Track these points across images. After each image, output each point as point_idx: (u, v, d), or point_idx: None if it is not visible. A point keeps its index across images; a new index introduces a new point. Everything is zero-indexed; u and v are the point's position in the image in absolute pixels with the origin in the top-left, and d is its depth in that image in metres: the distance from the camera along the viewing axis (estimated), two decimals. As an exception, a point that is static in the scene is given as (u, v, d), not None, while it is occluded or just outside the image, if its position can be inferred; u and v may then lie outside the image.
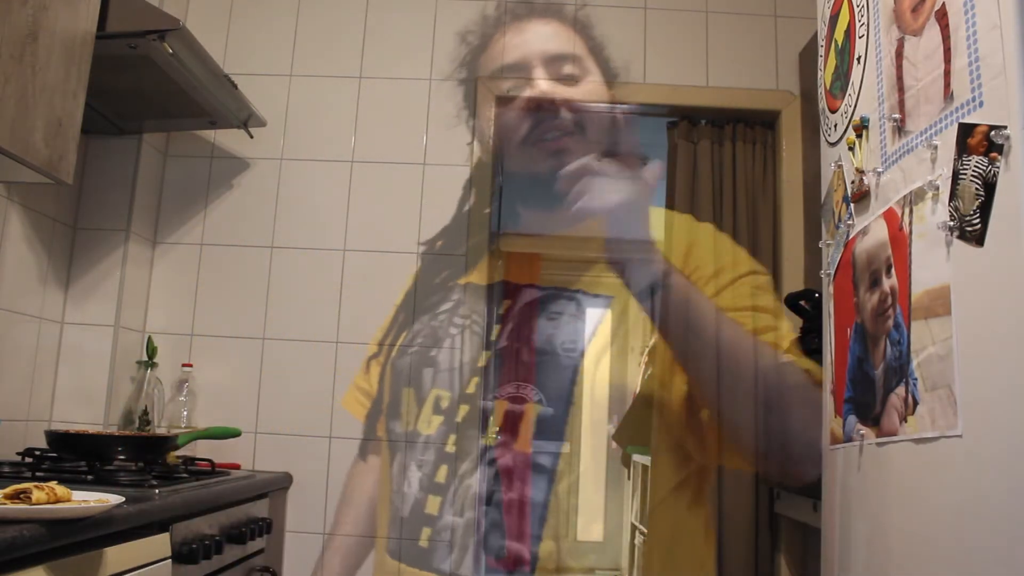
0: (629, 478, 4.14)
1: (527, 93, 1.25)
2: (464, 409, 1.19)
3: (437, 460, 1.15)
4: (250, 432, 2.22)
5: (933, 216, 1.05)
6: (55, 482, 1.14)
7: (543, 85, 1.24)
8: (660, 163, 1.28)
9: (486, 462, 1.16)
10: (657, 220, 1.31)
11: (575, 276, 1.34)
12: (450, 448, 1.15)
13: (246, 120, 2.25)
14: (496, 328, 1.25)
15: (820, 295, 1.61)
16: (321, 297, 2.32)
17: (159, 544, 1.36)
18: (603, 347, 1.25)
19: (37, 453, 1.63)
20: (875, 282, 1.20)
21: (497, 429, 1.16)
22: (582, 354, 1.23)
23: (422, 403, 1.22)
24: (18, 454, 1.69)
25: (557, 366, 1.21)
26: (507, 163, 1.32)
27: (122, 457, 1.60)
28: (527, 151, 1.26)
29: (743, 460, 1.16)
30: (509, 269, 1.32)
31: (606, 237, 1.24)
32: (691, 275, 1.20)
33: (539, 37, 1.28)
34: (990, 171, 0.94)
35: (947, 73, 1.04)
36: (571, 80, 1.25)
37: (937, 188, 1.04)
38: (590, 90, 1.29)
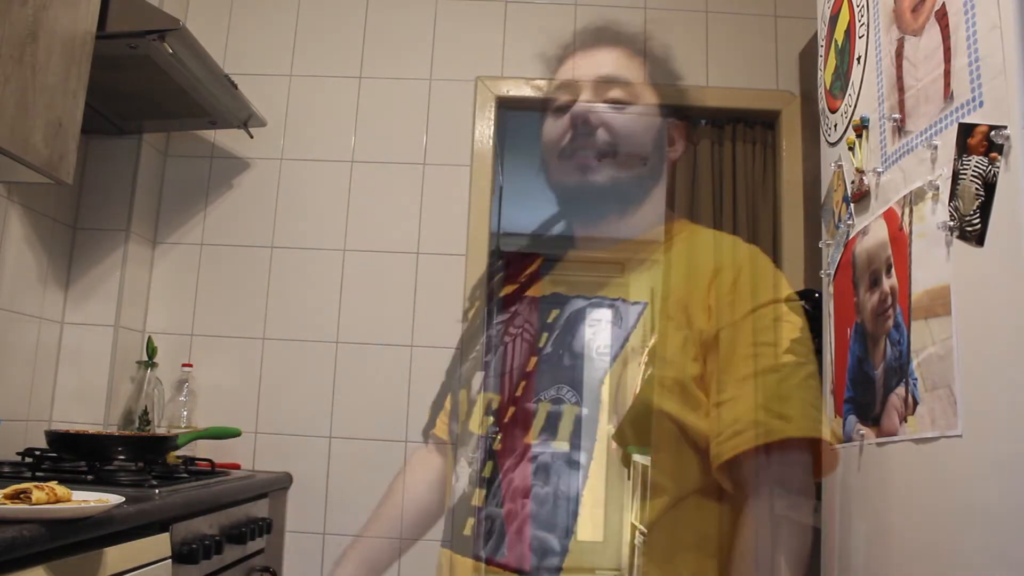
0: (629, 478, 4.14)
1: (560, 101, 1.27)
2: (511, 411, 1.22)
3: (485, 457, 1.19)
4: (250, 432, 2.22)
5: (933, 216, 1.05)
6: (55, 482, 1.14)
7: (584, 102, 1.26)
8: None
9: (527, 458, 1.18)
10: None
11: (606, 280, 1.35)
12: (497, 446, 1.19)
13: (246, 120, 2.25)
14: (544, 336, 1.28)
15: (820, 295, 1.61)
16: (321, 297, 2.32)
17: (159, 544, 1.36)
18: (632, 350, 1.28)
19: (37, 453, 1.63)
20: (875, 282, 1.20)
21: (540, 428, 1.18)
22: (615, 358, 1.25)
23: (472, 405, 1.25)
24: (18, 454, 1.69)
25: (592, 369, 1.23)
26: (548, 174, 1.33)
27: (122, 457, 1.60)
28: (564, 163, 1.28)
29: None
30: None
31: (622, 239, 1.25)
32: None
33: (592, 62, 1.30)
34: (990, 171, 0.94)
35: (947, 73, 1.04)
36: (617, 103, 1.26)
37: (937, 188, 1.04)
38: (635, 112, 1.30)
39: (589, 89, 1.30)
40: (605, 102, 1.24)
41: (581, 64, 1.35)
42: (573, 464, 1.22)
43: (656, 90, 1.36)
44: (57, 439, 1.59)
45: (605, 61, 1.33)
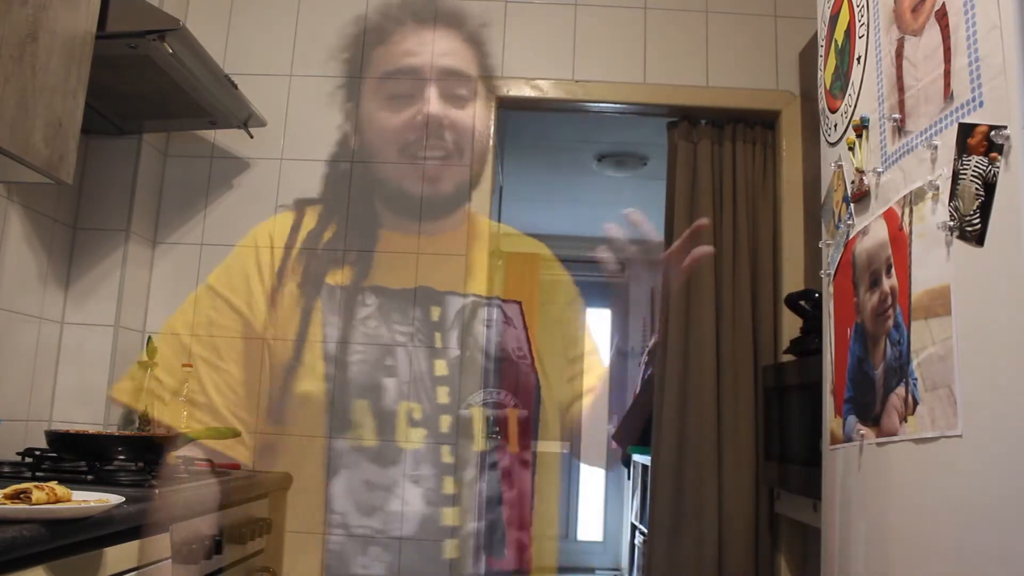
0: (629, 478, 4.14)
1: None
2: (446, 420, 1.19)
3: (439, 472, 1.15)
4: (250, 432, 2.22)
5: (933, 216, 1.05)
6: (55, 482, 1.14)
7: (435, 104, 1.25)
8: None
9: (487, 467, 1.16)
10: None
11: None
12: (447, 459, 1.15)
13: (246, 120, 2.25)
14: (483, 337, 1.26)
15: (820, 295, 1.61)
16: (321, 297, 2.32)
17: (159, 544, 1.36)
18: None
19: (37, 453, 1.63)
20: (875, 282, 1.20)
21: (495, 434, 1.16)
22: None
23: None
24: (18, 454, 1.68)
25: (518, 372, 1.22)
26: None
27: (122, 457, 1.60)
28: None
29: None
30: (509, 274, 1.32)
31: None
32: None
33: (434, 49, 1.27)
34: (990, 171, 0.94)
35: (947, 73, 1.04)
36: (461, 100, 1.25)
37: (937, 188, 1.04)
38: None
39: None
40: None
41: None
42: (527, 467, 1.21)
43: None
44: (57, 439, 1.59)
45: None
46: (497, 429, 1.16)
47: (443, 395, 1.14)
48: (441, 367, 1.16)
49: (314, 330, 1.12)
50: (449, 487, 1.11)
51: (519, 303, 1.22)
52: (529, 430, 1.17)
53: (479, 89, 1.26)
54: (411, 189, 1.20)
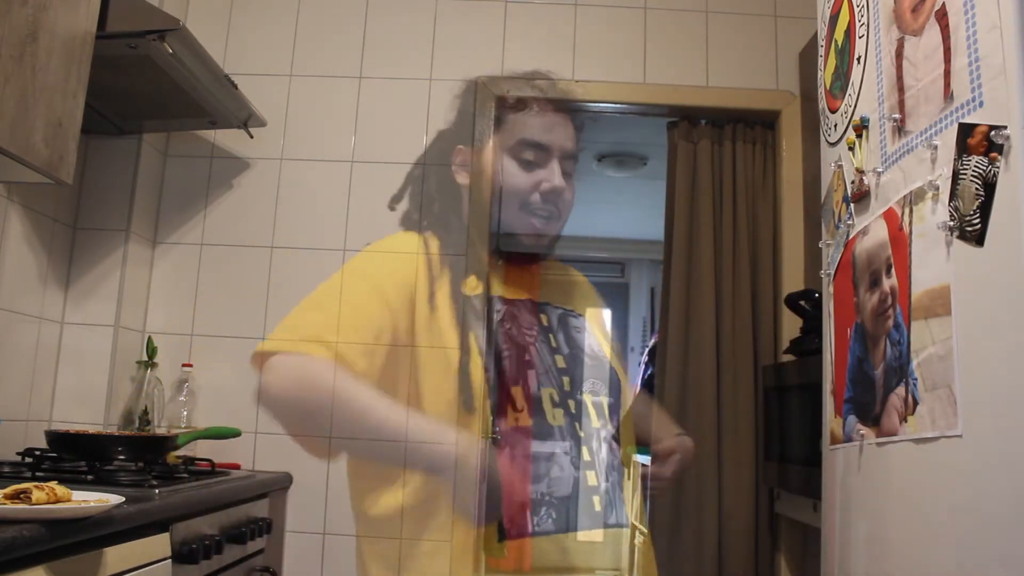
0: (629, 478, 4.14)
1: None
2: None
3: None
4: (250, 432, 2.22)
5: (933, 216, 1.05)
6: (55, 482, 1.14)
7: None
8: None
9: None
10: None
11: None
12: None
13: (246, 120, 2.25)
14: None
15: (820, 295, 1.61)
16: (321, 297, 2.32)
17: (159, 544, 1.36)
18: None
19: (37, 453, 1.63)
20: (875, 282, 1.20)
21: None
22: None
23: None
24: (18, 454, 1.68)
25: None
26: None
27: (122, 457, 1.60)
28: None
29: None
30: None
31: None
32: None
33: (561, 132, 1.48)
34: (990, 171, 0.94)
35: (947, 73, 1.04)
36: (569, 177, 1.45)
37: (937, 188, 1.04)
38: None
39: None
40: None
41: None
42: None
43: None
44: (57, 439, 1.59)
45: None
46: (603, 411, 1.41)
47: (566, 383, 1.35)
48: (560, 361, 1.36)
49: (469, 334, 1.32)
50: (586, 455, 1.33)
51: (584, 316, 1.46)
52: (616, 413, 1.44)
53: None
54: (521, 235, 1.40)
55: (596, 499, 1.38)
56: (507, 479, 1.22)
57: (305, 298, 1.42)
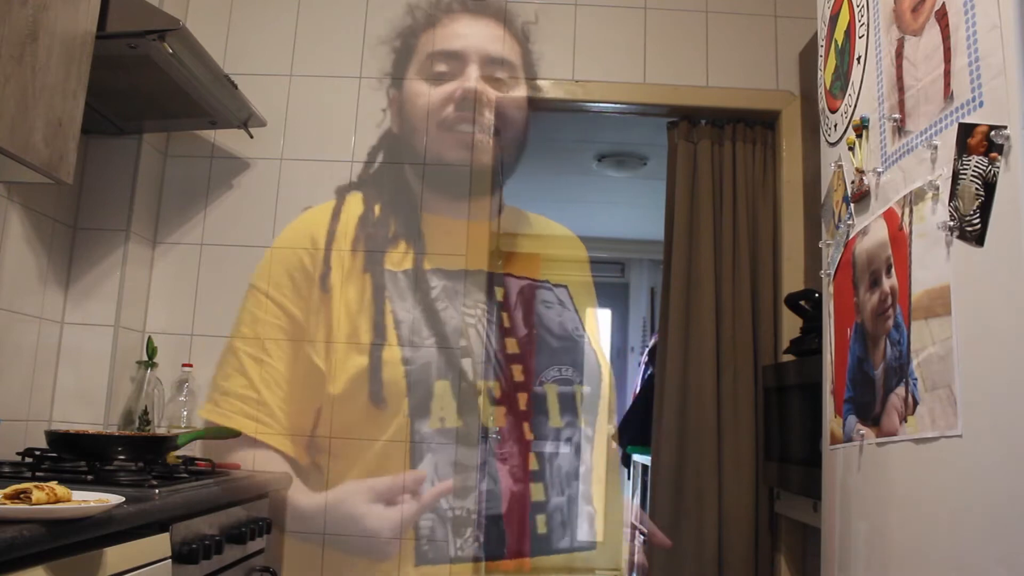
0: (629, 478, 4.13)
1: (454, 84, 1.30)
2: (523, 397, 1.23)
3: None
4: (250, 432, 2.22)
5: (933, 216, 1.05)
6: (55, 482, 1.14)
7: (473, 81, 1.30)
8: None
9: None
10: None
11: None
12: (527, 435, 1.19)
13: (246, 120, 2.25)
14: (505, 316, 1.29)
15: (820, 295, 1.61)
16: (321, 297, 2.31)
17: (159, 544, 1.36)
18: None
19: (37, 453, 1.63)
20: (875, 282, 1.20)
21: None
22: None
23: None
24: (18, 454, 1.68)
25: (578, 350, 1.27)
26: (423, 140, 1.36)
27: (122, 457, 1.60)
28: (442, 135, 1.32)
29: None
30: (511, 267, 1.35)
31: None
32: None
33: (480, 35, 1.32)
34: (990, 171, 0.94)
35: (947, 73, 1.04)
36: (501, 83, 1.29)
37: (937, 188, 1.04)
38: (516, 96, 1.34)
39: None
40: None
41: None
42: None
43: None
44: (57, 439, 1.59)
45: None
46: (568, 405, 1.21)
47: (517, 373, 1.18)
48: (512, 345, 1.20)
49: (387, 315, 1.14)
50: (533, 463, 1.16)
51: (566, 287, 1.27)
52: (594, 407, 1.23)
53: (522, 84, 1.32)
54: (450, 158, 1.22)
55: (540, 519, 1.20)
56: (430, 494, 1.08)
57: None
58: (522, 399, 1.18)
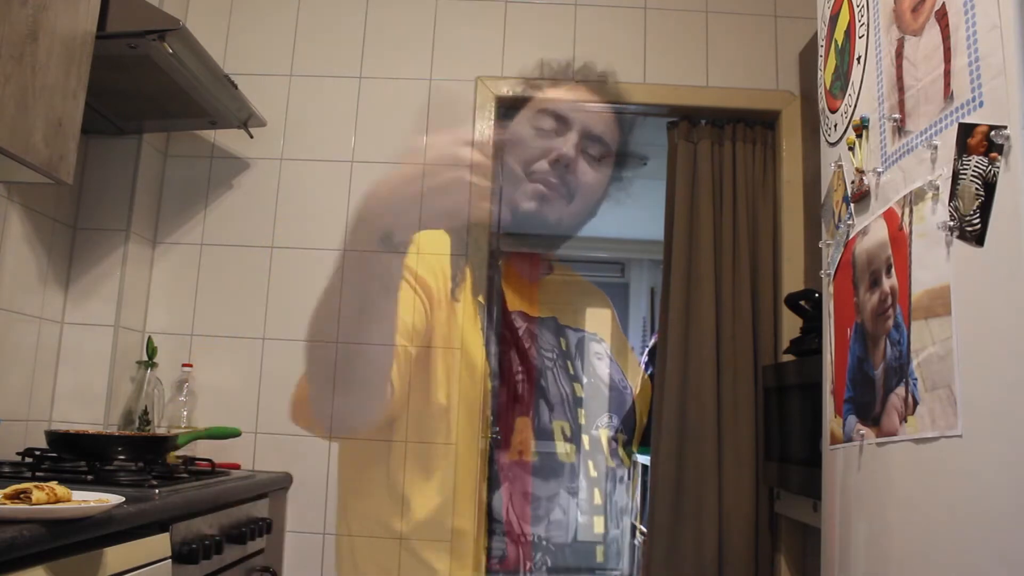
0: (629, 478, 4.14)
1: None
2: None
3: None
4: (250, 432, 2.22)
5: (933, 216, 1.05)
6: (55, 482, 1.14)
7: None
8: None
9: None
10: None
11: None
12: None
13: (246, 120, 2.25)
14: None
15: (820, 295, 1.61)
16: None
17: (159, 544, 1.36)
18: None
19: (37, 453, 1.63)
20: (875, 282, 1.20)
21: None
22: None
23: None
24: (18, 454, 1.69)
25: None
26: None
27: (122, 457, 1.60)
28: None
29: None
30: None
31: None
32: None
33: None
34: (990, 171, 0.94)
35: (947, 73, 1.04)
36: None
37: (937, 188, 1.04)
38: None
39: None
40: None
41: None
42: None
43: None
44: (57, 439, 1.59)
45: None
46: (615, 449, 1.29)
47: (581, 416, 1.24)
48: (579, 390, 1.25)
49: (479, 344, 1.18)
50: (597, 498, 1.22)
51: (604, 340, 1.36)
52: (629, 451, 1.36)
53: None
54: (522, 205, 1.23)
55: (599, 549, 1.27)
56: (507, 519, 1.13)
57: None
58: (585, 439, 1.25)
